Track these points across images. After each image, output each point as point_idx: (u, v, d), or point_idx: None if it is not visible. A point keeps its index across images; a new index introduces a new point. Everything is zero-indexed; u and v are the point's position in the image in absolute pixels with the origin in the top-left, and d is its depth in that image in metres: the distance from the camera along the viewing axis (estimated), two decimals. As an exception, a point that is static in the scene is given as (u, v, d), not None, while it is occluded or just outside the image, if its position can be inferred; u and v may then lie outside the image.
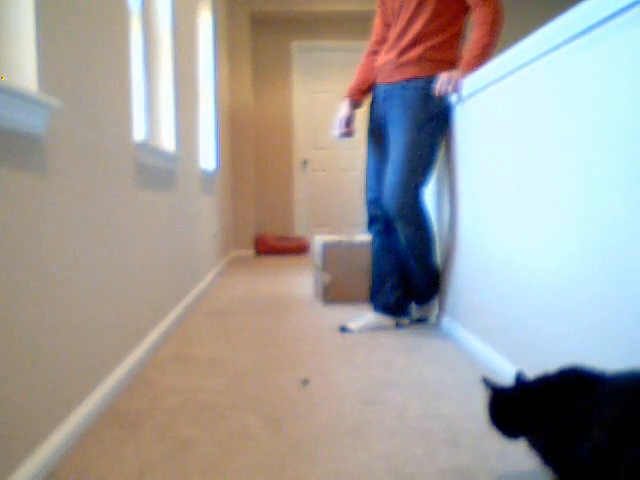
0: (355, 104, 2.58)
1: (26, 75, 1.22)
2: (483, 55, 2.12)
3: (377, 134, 2.47)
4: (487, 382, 1.15)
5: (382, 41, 2.51)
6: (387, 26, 2.48)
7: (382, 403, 1.60)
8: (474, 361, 1.99)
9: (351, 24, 5.89)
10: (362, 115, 5.60)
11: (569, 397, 1.01)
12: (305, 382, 1.79)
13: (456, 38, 2.31)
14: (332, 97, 5.94)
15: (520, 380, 1.12)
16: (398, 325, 2.51)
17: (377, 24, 2.52)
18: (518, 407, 1.08)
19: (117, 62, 1.82)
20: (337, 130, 2.58)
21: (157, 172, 2.34)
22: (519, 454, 1.27)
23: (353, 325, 2.46)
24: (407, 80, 2.31)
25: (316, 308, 2.96)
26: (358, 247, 3.07)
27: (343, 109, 2.57)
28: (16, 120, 1.11)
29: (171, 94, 2.76)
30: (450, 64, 2.29)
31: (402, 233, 2.35)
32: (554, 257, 1.48)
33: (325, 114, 5.94)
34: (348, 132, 2.59)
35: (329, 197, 6.07)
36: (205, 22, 4.21)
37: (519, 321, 1.70)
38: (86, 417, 1.42)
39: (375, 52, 2.54)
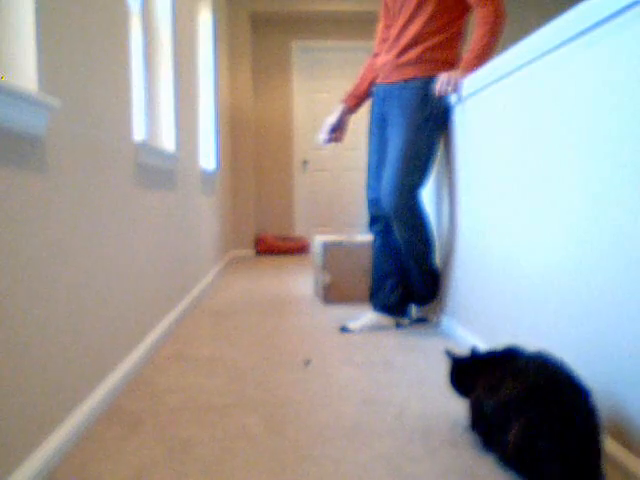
0: (349, 110, 2.60)
1: (26, 75, 1.22)
2: (483, 55, 2.12)
3: (378, 134, 2.47)
4: (448, 353, 1.44)
5: (383, 43, 2.52)
6: (388, 27, 2.48)
7: (382, 403, 1.60)
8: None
9: (351, 24, 5.89)
10: (362, 115, 5.61)
11: (491, 367, 1.29)
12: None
13: (456, 38, 2.31)
14: (332, 97, 5.94)
15: (473, 352, 1.38)
16: (398, 325, 2.51)
17: (380, 26, 2.52)
18: (466, 372, 1.37)
19: (117, 62, 1.82)
20: (322, 135, 2.60)
21: (157, 172, 2.34)
22: (519, 454, 1.27)
23: (353, 325, 2.46)
24: (406, 80, 2.31)
25: (316, 308, 2.96)
26: (358, 247, 3.08)
27: (332, 115, 2.59)
28: (16, 120, 1.11)
29: (171, 94, 2.76)
30: (449, 64, 2.29)
31: (399, 233, 2.35)
32: (554, 256, 1.48)
33: (325, 114, 5.94)
34: (335, 138, 2.60)
35: (329, 197, 6.07)
36: (205, 22, 4.21)
37: (519, 320, 1.70)
38: (86, 417, 1.42)
39: (377, 55, 2.54)
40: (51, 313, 1.26)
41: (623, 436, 1.17)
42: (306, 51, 5.91)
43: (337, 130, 2.61)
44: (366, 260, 3.05)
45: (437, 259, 2.53)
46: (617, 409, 1.19)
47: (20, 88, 1.08)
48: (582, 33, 1.32)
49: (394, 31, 2.36)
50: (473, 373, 1.35)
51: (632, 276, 1.14)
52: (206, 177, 3.80)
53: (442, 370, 1.89)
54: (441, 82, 2.19)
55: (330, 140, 2.62)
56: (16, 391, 1.10)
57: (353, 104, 2.60)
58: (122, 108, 1.86)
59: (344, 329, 2.45)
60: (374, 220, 2.51)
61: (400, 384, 1.75)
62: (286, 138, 5.96)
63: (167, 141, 2.75)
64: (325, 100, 5.96)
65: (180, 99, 2.95)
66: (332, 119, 2.59)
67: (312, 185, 6.05)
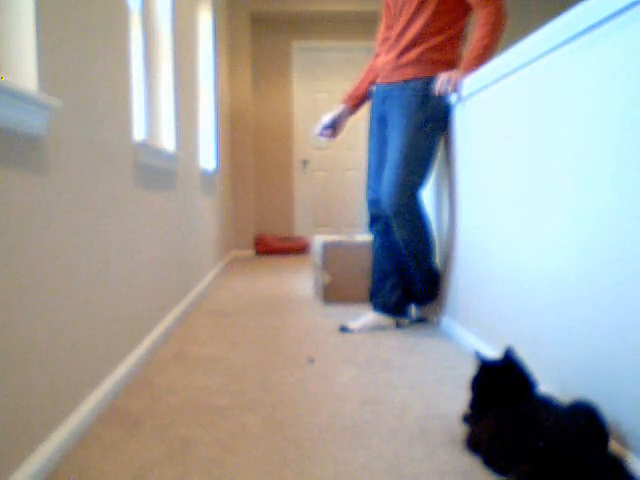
0: (349, 110, 2.61)
1: (26, 75, 1.22)
2: (484, 55, 2.11)
3: (377, 134, 2.47)
4: (478, 354, 1.39)
5: (384, 43, 2.52)
6: (389, 28, 2.48)
7: (382, 403, 1.59)
8: (474, 361, 1.98)
9: (351, 24, 5.89)
10: (362, 115, 5.60)
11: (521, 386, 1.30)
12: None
13: (456, 39, 2.31)
14: (332, 97, 5.94)
15: (505, 360, 1.33)
16: (398, 325, 2.51)
17: (381, 27, 2.52)
18: (495, 381, 1.32)
19: (117, 62, 1.82)
20: (317, 129, 2.63)
21: (157, 172, 2.34)
22: (519, 454, 1.27)
23: (353, 325, 2.46)
24: (406, 81, 2.31)
25: (316, 308, 2.96)
26: (358, 247, 3.07)
27: (328, 114, 2.62)
28: (16, 120, 1.11)
29: (171, 94, 2.76)
30: (449, 65, 2.29)
31: (398, 233, 2.35)
32: (554, 256, 1.48)
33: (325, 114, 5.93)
34: (328, 134, 2.62)
35: (329, 197, 6.07)
36: (205, 22, 4.21)
37: (519, 320, 1.70)
38: (86, 417, 1.42)
39: (378, 55, 2.55)
40: (51, 313, 1.26)
41: (623, 436, 1.17)
42: (306, 51, 5.91)
43: (331, 128, 2.62)
44: (366, 260, 3.05)
45: (437, 259, 2.53)
46: (617, 410, 1.19)
47: (20, 88, 1.08)
48: (583, 33, 1.32)
49: (395, 31, 2.36)
50: (501, 384, 1.30)
51: (634, 280, 1.14)
52: (206, 177, 3.80)
53: (442, 370, 1.89)
54: (441, 82, 2.19)
55: (322, 135, 2.63)
56: (16, 391, 1.10)
57: (352, 104, 2.61)
58: (122, 108, 1.86)
59: (344, 329, 2.45)
60: (374, 220, 2.52)
61: (400, 384, 1.75)
62: (286, 138, 5.96)
63: (167, 141, 2.75)
64: (325, 100, 5.96)
65: (180, 99, 2.95)
66: (326, 119, 2.60)
67: (312, 185, 6.05)
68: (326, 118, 2.61)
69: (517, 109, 1.70)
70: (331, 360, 2.01)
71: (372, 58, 2.59)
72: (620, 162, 1.18)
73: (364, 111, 5.38)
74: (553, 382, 1.48)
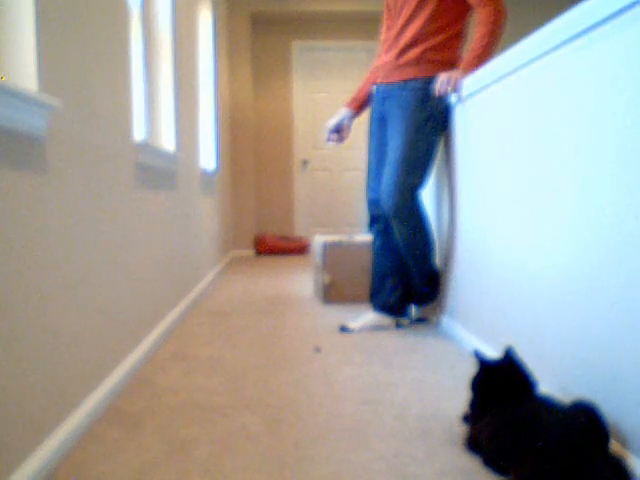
0: (353, 113, 2.63)
1: (26, 75, 1.22)
2: (484, 55, 2.12)
3: (378, 134, 2.47)
4: (477, 354, 1.37)
5: (385, 44, 2.52)
6: (390, 28, 2.48)
7: (382, 403, 1.60)
8: (474, 361, 1.98)
9: (351, 24, 5.89)
10: (362, 115, 5.60)
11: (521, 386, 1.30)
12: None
13: (456, 38, 2.31)
14: (332, 97, 5.94)
15: (505, 360, 1.33)
16: (398, 325, 2.51)
17: (383, 29, 2.52)
18: (495, 381, 1.32)
19: (117, 62, 1.82)
20: (325, 134, 2.67)
21: (157, 172, 2.34)
22: (519, 454, 1.27)
23: (353, 325, 2.46)
24: (405, 81, 2.31)
25: (316, 308, 2.96)
26: (358, 247, 3.07)
27: (332, 118, 2.65)
28: (16, 120, 1.11)
29: (171, 94, 2.76)
30: (449, 65, 2.29)
31: (398, 233, 2.35)
32: (554, 257, 1.48)
33: (325, 114, 5.94)
34: (335, 139, 2.64)
35: (329, 197, 6.07)
36: (205, 22, 4.21)
37: (519, 320, 1.70)
38: (86, 417, 1.42)
39: (379, 57, 2.56)
40: (51, 313, 1.26)
41: (623, 436, 1.17)
42: (306, 51, 5.91)
43: (336, 133, 2.64)
44: (366, 260, 3.05)
45: (437, 259, 2.53)
46: (617, 410, 1.19)
47: (20, 88, 1.08)
48: (583, 32, 1.32)
49: (394, 31, 2.36)
50: (501, 384, 1.30)
51: (634, 280, 1.14)
52: (206, 177, 3.80)
53: (442, 370, 1.89)
54: (441, 82, 2.19)
55: (330, 140, 2.66)
56: (16, 391, 1.10)
57: (355, 107, 2.63)
58: (122, 108, 1.86)
59: (344, 329, 2.45)
60: (374, 220, 2.52)
61: (400, 384, 1.75)
62: (286, 138, 5.96)
63: (167, 141, 2.75)
64: (325, 100, 5.96)
65: (180, 99, 2.95)
66: (330, 124, 2.62)
67: (312, 185, 6.05)
68: (330, 123, 2.62)
69: (517, 109, 1.70)
70: (331, 360, 2.02)
71: (375, 60, 2.60)
72: (620, 162, 1.18)
73: (364, 112, 5.39)
74: (553, 382, 1.48)
